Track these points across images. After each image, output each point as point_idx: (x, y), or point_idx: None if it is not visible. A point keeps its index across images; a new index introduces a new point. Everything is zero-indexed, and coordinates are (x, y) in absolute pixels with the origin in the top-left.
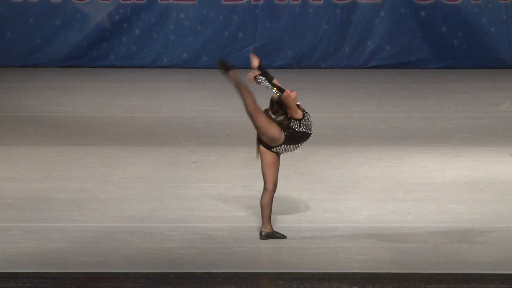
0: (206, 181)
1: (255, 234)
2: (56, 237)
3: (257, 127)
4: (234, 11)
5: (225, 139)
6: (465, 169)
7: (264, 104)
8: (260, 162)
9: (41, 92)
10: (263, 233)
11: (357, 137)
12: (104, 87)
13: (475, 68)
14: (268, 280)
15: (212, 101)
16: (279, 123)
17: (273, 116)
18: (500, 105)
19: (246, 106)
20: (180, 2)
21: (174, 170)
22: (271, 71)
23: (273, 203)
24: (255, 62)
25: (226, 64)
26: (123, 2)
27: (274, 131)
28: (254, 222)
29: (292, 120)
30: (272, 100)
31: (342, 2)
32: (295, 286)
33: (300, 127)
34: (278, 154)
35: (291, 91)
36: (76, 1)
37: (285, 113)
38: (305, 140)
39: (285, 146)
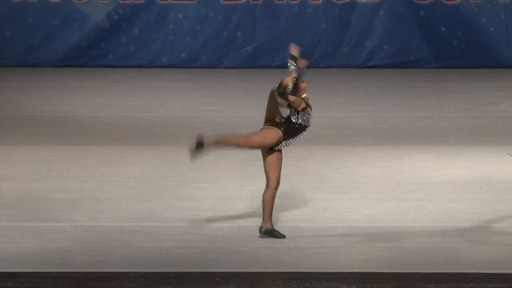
0: (206, 180)
1: (254, 234)
2: (55, 236)
3: (258, 148)
4: (233, 11)
5: None
6: (464, 168)
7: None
8: (262, 160)
9: (40, 91)
10: (262, 229)
11: (356, 136)
12: (103, 87)
13: (474, 68)
14: (267, 280)
15: (211, 101)
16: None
17: (278, 98)
18: (499, 105)
19: (241, 147)
20: (179, 2)
21: (173, 170)
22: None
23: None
24: (294, 50)
25: (199, 143)
26: (122, 2)
27: (272, 138)
28: (253, 221)
29: (291, 110)
30: (281, 83)
31: (341, 1)
32: (294, 286)
33: (297, 118)
34: (280, 151)
35: (302, 82)
36: (75, 1)
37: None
38: (302, 132)
39: (286, 141)
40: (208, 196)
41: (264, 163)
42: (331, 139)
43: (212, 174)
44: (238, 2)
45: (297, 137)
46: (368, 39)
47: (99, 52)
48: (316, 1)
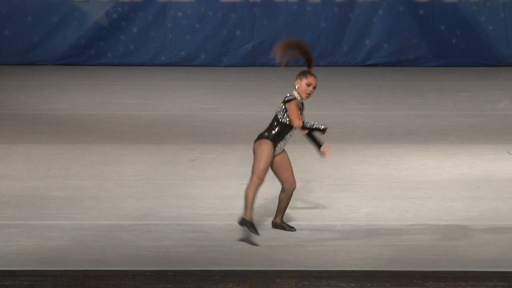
0: (204, 179)
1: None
2: (54, 235)
3: (267, 168)
4: (232, 9)
5: (223, 137)
6: (463, 167)
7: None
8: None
9: (39, 90)
10: (277, 224)
11: (355, 135)
12: (102, 85)
13: (473, 66)
14: (266, 278)
15: (210, 99)
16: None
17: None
18: (498, 103)
19: (261, 183)
20: (178, 0)
21: (172, 168)
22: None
23: (269, 200)
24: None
25: (246, 223)
26: (121, 0)
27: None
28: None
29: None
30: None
31: (340, 0)
32: (293, 284)
33: (283, 117)
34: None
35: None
36: None
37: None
38: (288, 131)
39: (278, 146)
40: (207, 194)
41: (273, 171)
42: (330, 137)
43: (211, 172)
44: (237, 0)
45: (286, 137)
46: (367, 38)
47: (98, 50)
48: (315, 0)
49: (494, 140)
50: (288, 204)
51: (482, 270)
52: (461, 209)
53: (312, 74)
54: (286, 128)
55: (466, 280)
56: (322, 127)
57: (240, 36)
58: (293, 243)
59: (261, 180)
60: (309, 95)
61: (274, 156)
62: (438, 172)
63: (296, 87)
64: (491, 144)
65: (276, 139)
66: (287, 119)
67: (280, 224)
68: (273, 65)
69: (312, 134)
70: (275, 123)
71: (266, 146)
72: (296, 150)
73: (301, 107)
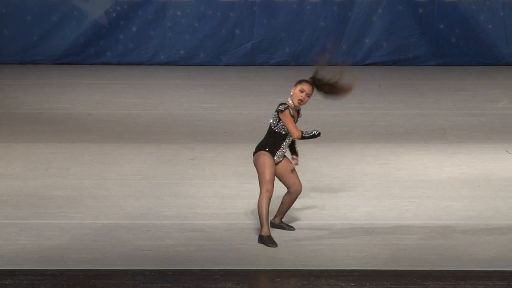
0: (203, 178)
1: (252, 231)
2: (53, 234)
3: (273, 177)
4: (231, 8)
5: (222, 136)
6: (463, 166)
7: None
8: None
9: (38, 89)
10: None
11: (354, 134)
12: (101, 84)
13: (472, 65)
14: (265, 277)
15: (209, 98)
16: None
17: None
18: (497, 102)
19: (271, 194)
20: None
21: (171, 167)
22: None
23: (272, 199)
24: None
25: (266, 240)
26: None
27: (268, 163)
28: (251, 219)
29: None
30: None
31: None
32: (292, 283)
33: (276, 126)
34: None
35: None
36: None
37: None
38: (283, 139)
39: (276, 155)
40: (206, 193)
41: (278, 178)
42: (329, 137)
43: (210, 172)
44: None
45: (283, 145)
46: (367, 37)
47: (97, 49)
48: None
49: (494, 139)
50: (290, 207)
51: (481, 269)
52: (460, 209)
53: (307, 82)
54: (281, 138)
55: (466, 279)
56: (317, 133)
57: (240, 35)
58: (292, 243)
59: (270, 192)
60: (301, 101)
61: (276, 164)
62: (437, 172)
63: (291, 93)
64: (490, 143)
65: (273, 149)
66: (282, 129)
67: (279, 224)
68: (272, 64)
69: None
70: (271, 134)
71: (265, 158)
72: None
73: (295, 114)
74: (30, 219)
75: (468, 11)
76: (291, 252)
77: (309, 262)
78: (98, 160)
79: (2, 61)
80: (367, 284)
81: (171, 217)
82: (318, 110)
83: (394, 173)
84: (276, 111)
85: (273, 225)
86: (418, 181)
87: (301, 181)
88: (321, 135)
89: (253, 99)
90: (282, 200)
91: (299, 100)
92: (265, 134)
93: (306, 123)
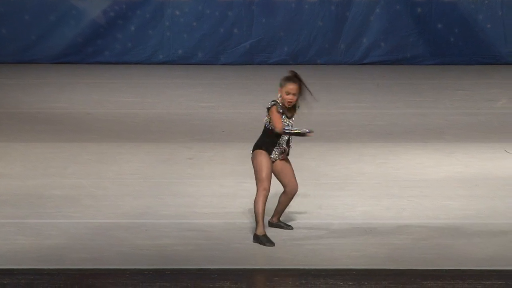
0: (202, 177)
1: (250, 231)
2: (52, 233)
3: (270, 175)
4: (230, 8)
5: (220, 135)
6: (460, 165)
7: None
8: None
9: (36, 88)
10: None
11: (352, 133)
12: (99, 84)
13: (471, 65)
14: (263, 277)
15: (208, 98)
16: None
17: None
18: (495, 102)
19: (267, 193)
20: None
21: (169, 167)
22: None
23: (269, 199)
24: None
25: (263, 240)
26: None
27: (265, 161)
28: (249, 218)
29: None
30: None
31: None
32: (290, 283)
33: (269, 123)
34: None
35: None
36: None
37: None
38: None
39: (273, 154)
40: (204, 192)
41: (275, 176)
42: (327, 136)
43: (208, 171)
44: None
45: (279, 142)
46: (365, 36)
47: (96, 49)
48: None
49: (492, 139)
50: (286, 206)
51: (479, 268)
52: (458, 208)
53: (290, 81)
54: (276, 136)
55: (464, 279)
56: (301, 131)
57: (238, 34)
58: (290, 242)
59: (266, 190)
60: (291, 102)
61: (273, 162)
62: (435, 171)
63: (279, 96)
64: (488, 143)
65: (269, 147)
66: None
67: (277, 223)
68: (271, 64)
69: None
70: (266, 132)
71: (261, 156)
72: (293, 149)
73: (286, 110)
74: (29, 219)
75: (467, 10)
76: (289, 251)
77: (307, 261)
78: (97, 159)
79: (0, 61)
80: (365, 283)
81: (169, 216)
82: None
83: (392, 172)
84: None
85: (271, 225)
86: (416, 180)
87: (298, 181)
88: (312, 134)
89: (252, 98)
90: (279, 199)
91: (288, 102)
92: (261, 133)
93: (305, 123)
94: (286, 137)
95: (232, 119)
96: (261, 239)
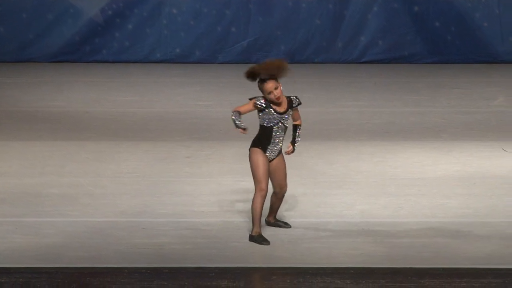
0: (199, 176)
1: (248, 229)
2: (49, 232)
3: (267, 174)
4: (227, 6)
5: (218, 134)
6: (458, 164)
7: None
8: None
9: (34, 87)
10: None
11: (350, 132)
12: (97, 82)
13: (468, 63)
14: (261, 275)
15: (205, 96)
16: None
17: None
18: (493, 100)
19: (264, 193)
20: None
21: (167, 165)
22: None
23: (266, 198)
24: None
25: (258, 238)
26: None
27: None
28: (247, 217)
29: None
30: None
31: None
32: (288, 281)
33: (259, 118)
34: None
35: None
36: None
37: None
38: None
39: (268, 152)
40: (202, 191)
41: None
42: (325, 135)
43: (206, 169)
44: None
45: (273, 138)
46: (362, 34)
47: (93, 47)
48: None
49: (489, 137)
50: (280, 205)
51: (477, 267)
52: (455, 206)
53: (264, 82)
54: (267, 130)
55: (461, 277)
56: (237, 123)
57: (235, 33)
58: (288, 240)
59: (264, 191)
60: (278, 98)
61: (270, 160)
62: (432, 169)
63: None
64: (486, 141)
65: (263, 144)
66: (264, 122)
67: (274, 222)
68: None
69: (293, 133)
70: (259, 129)
71: (256, 155)
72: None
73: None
74: (26, 217)
75: (464, 9)
76: (287, 250)
77: (304, 260)
78: (94, 158)
79: None
80: (363, 281)
81: (167, 215)
82: (313, 108)
83: (390, 171)
84: None
85: (269, 224)
86: (413, 179)
87: (296, 179)
88: (242, 132)
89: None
90: (271, 199)
91: (276, 98)
92: None
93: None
94: (279, 133)
95: (230, 117)
96: (256, 239)
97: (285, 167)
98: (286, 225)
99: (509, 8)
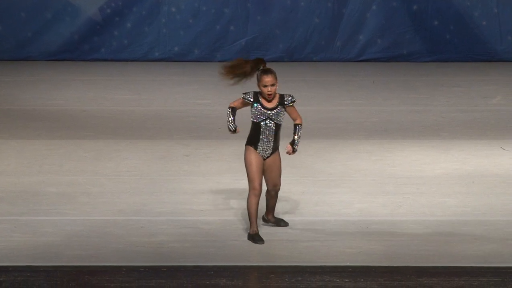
0: (198, 174)
1: (246, 228)
2: (47, 230)
3: (261, 173)
4: (226, 5)
5: (216, 132)
6: (457, 162)
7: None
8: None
9: (32, 85)
10: (268, 221)
11: (348, 130)
12: (95, 81)
13: (466, 62)
14: (259, 274)
15: (204, 95)
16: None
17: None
18: (491, 99)
19: (258, 192)
20: None
21: (165, 164)
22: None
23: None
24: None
25: (255, 238)
26: None
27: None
28: (245, 216)
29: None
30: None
31: None
32: (286, 279)
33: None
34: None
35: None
36: None
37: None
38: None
39: (261, 150)
40: (200, 189)
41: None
42: (324, 133)
43: (205, 168)
44: None
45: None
46: (361, 33)
47: (92, 46)
48: None
49: (488, 136)
50: (275, 202)
51: (475, 265)
52: (454, 205)
53: (265, 73)
54: (256, 126)
55: (460, 276)
56: (228, 122)
57: (234, 32)
58: (286, 239)
59: (257, 190)
60: (270, 94)
61: (264, 158)
62: (431, 168)
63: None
64: (484, 140)
65: (254, 141)
66: (254, 118)
67: (273, 220)
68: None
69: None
70: (251, 125)
71: (248, 154)
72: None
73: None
74: (24, 216)
75: (463, 7)
76: (285, 248)
77: (303, 258)
78: (92, 156)
79: None
80: (361, 280)
81: (165, 214)
82: (311, 106)
83: (388, 170)
84: None
85: (267, 221)
86: (412, 177)
87: (295, 178)
88: (231, 133)
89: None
90: (266, 197)
91: (268, 95)
92: None
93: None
94: (268, 130)
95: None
96: (252, 237)
97: (279, 166)
98: (284, 223)
99: (508, 7)
